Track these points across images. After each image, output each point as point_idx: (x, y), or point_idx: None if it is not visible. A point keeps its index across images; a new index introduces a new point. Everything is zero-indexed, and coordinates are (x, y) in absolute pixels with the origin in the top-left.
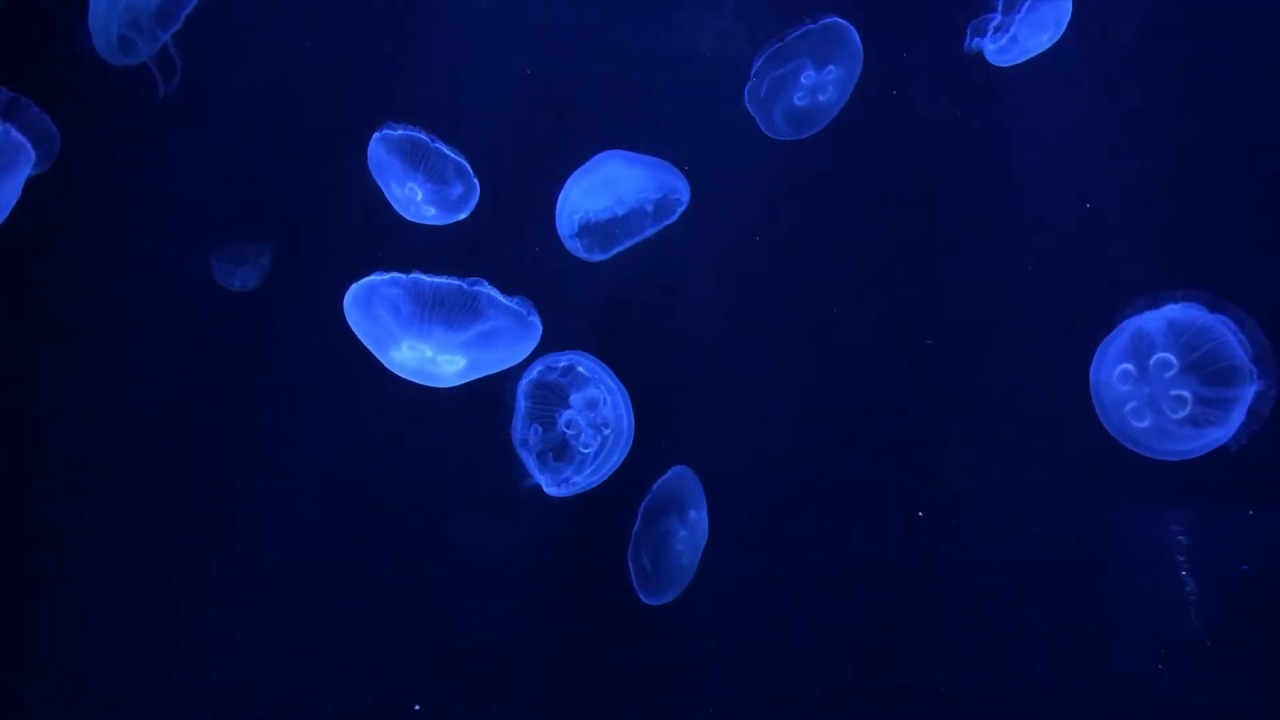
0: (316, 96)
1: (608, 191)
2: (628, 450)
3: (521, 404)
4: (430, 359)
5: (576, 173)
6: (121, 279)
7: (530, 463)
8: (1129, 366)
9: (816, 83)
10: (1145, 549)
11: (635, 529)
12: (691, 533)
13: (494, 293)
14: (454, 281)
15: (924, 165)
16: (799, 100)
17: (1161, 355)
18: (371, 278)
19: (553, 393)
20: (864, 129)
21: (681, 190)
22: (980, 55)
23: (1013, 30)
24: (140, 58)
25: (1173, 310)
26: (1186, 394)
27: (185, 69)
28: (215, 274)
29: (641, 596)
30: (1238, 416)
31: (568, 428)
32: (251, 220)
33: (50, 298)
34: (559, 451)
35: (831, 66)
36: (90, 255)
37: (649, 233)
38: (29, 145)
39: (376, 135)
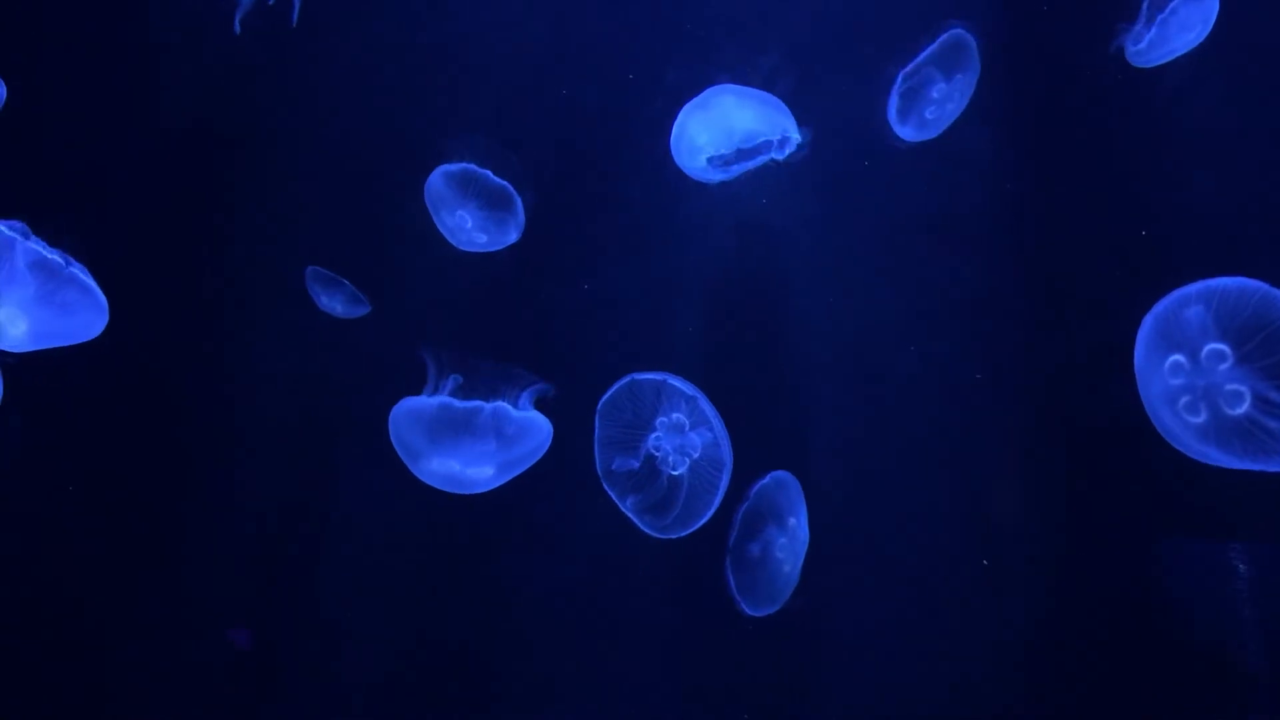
0: (363, 134)
1: (720, 127)
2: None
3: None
4: (460, 471)
5: (689, 105)
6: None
7: (619, 493)
8: (1179, 357)
9: (946, 93)
10: (1205, 576)
11: (733, 539)
12: (791, 540)
13: (508, 409)
14: (476, 404)
15: (1049, 167)
16: (929, 114)
17: (1214, 345)
18: (401, 404)
19: (639, 417)
20: (981, 136)
21: (791, 129)
22: (1120, 54)
23: (1155, 32)
24: None
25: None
26: (1244, 389)
27: (234, 101)
28: (313, 293)
29: (744, 608)
30: None
31: (655, 450)
32: (303, 254)
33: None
34: (649, 479)
35: (959, 75)
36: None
37: (759, 162)
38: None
39: (438, 170)
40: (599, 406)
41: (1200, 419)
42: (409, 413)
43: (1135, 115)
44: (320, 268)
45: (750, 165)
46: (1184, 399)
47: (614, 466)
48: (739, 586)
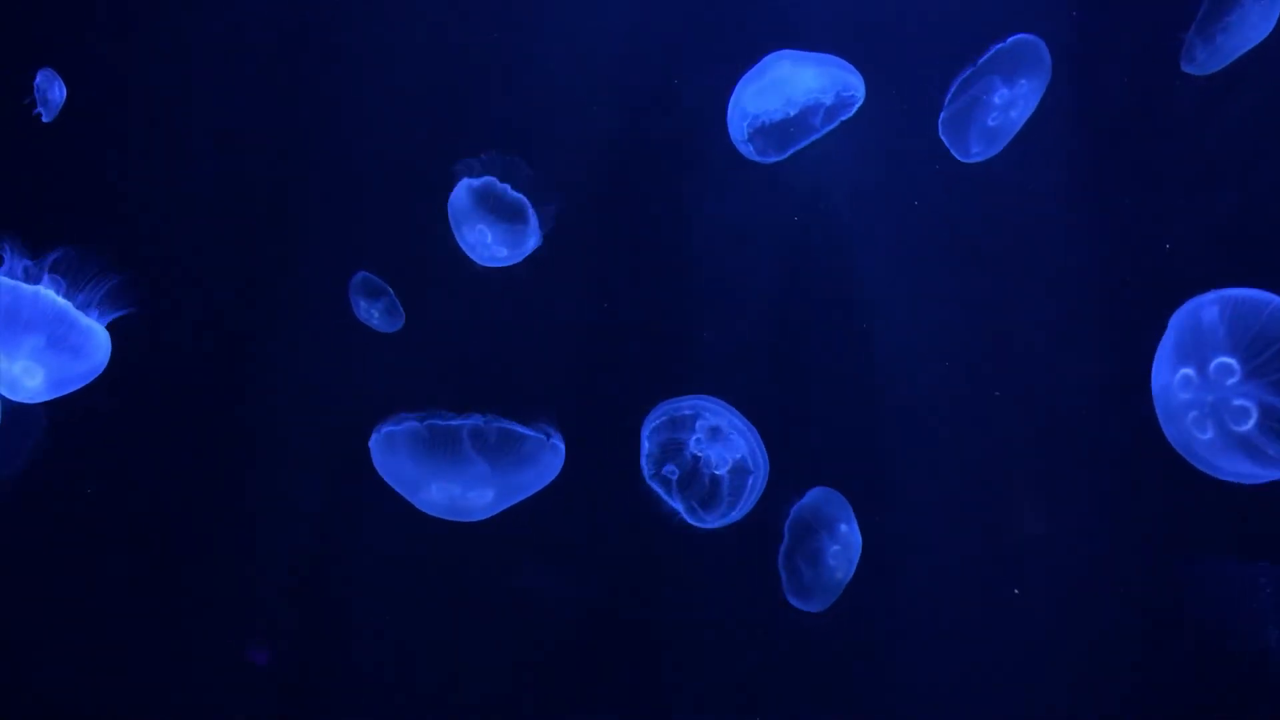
0: (389, 148)
1: (778, 93)
2: (765, 483)
3: (647, 446)
4: (460, 495)
5: (746, 75)
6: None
7: (665, 494)
8: (1189, 371)
9: (1009, 99)
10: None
11: (784, 545)
12: (844, 547)
13: (515, 426)
14: (473, 420)
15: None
16: (992, 121)
17: (1223, 359)
18: (387, 428)
19: (678, 430)
20: (1050, 142)
21: (855, 86)
22: (1179, 53)
23: (1218, 39)
24: None
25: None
26: (1250, 403)
27: (263, 112)
28: (354, 300)
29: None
30: None
31: (698, 451)
32: (324, 267)
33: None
34: (692, 479)
35: (1023, 81)
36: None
37: (824, 131)
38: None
39: (461, 183)
40: (644, 422)
41: (1208, 435)
42: (385, 443)
43: (1196, 123)
44: (371, 275)
45: (808, 140)
46: (1192, 414)
47: (653, 475)
48: (791, 589)
